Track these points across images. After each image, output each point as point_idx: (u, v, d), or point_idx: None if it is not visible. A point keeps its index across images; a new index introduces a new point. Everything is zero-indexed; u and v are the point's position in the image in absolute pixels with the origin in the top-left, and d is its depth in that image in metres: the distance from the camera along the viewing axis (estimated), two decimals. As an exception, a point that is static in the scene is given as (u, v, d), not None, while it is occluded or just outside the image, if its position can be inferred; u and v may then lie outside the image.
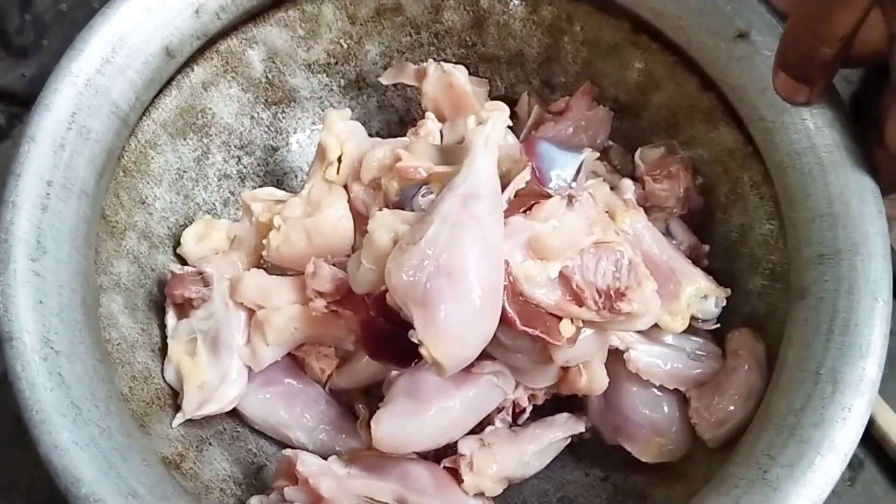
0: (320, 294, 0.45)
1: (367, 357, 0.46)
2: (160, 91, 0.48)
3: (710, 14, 0.44)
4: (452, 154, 0.45)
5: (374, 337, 0.41)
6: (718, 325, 0.46)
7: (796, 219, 0.42)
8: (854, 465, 0.52)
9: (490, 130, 0.42)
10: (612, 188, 0.48)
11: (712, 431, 0.44)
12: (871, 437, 0.52)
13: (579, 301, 0.40)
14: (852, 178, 0.40)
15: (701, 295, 0.45)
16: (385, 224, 0.41)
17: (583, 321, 0.40)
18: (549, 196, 0.42)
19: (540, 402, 0.47)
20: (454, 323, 0.36)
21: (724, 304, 0.46)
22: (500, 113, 0.44)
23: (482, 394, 0.44)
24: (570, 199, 0.41)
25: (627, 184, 0.49)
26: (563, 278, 0.40)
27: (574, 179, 0.43)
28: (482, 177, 0.41)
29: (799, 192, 0.42)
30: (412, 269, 0.37)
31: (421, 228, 0.39)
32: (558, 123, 0.53)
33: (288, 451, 0.43)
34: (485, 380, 0.44)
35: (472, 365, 0.40)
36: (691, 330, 0.46)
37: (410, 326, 0.37)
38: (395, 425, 0.43)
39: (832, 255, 0.40)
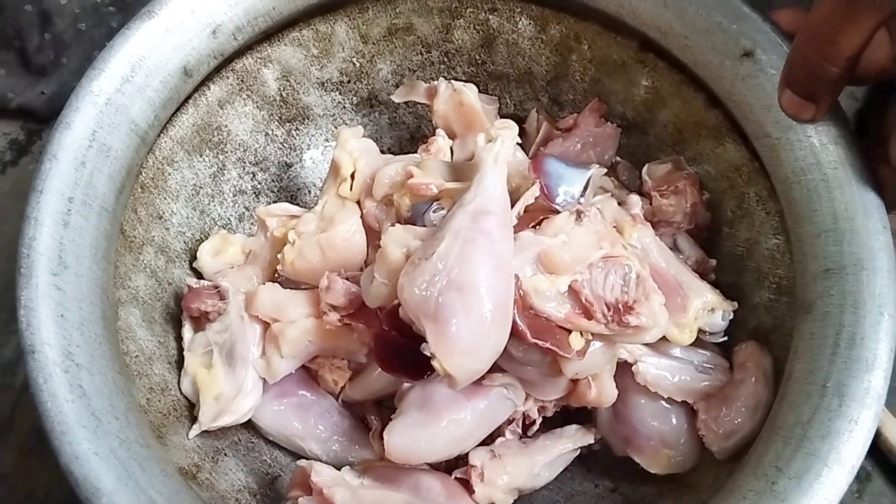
0: (334, 308, 0.46)
1: (379, 369, 0.47)
2: (177, 109, 0.49)
3: (715, 33, 0.45)
4: (463, 171, 0.46)
5: (387, 350, 0.42)
6: (726, 338, 0.47)
7: (802, 234, 0.42)
8: (862, 478, 0.53)
9: (500, 148, 0.43)
10: (619, 203, 0.49)
11: (720, 443, 0.44)
12: (879, 450, 0.52)
13: (588, 314, 0.40)
14: (857, 195, 0.41)
15: (708, 308, 0.46)
16: (397, 239, 0.42)
17: (592, 334, 0.41)
18: (558, 212, 0.42)
19: (550, 413, 0.48)
20: (465, 336, 0.37)
21: (731, 317, 0.46)
22: (509, 131, 0.45)
23: (493, 406, 0.45)
24: (579, 214, 0.42)
25: (635, 199, 0.49)
26: (573, 292, 0.41)
27: (582, 195, 0.44)
28: (492, 193, 0.41)
29: (804, 207, 0.42)
30: (424, 284, 0.38)
31: (432, 244, 0.39)
32: (566, 140, 0.53)
33: (302, 462, 0.44)
34: (495, 392, 0.44)
35: (483, 377, 0.40)
36: (699, 343, 0.46)
37: (423, 340, 0.38)
38: (408, 437, 0.43)
39: (838, 269, 0.40)
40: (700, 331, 0.46)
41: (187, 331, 0.49)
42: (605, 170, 0.51)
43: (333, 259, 0.47)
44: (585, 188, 0.44)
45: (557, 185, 0.44)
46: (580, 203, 0.44)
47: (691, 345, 0.46)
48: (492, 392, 0.44)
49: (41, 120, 0.66)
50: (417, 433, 0.43)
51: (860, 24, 0.37)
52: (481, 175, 0.42)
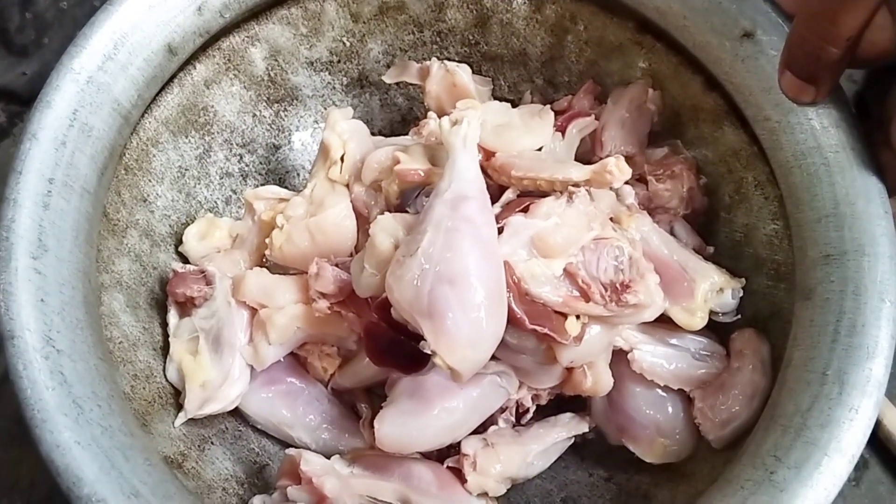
0: (323, 295, 0.45)
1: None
2: (162, 88, 0.48)
3: (715, 13, 0.44)
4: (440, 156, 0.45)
5: (379, 344, 0.41)
6: (738, 316, 0.46)
7: (802, 219, 0.42)
8: (859, 466, 0.52)
9: (467, 130, 0.42)
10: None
11: (716, 432, 0.44)
12: (877, 438, 0.52)
13: (586, 296, 0.40)
14: (858, 179, 0.40)
15: (716, 289, 0.45)
16: (386, 228, 0.41)
17: (590, 317, 0.40)
18: (546, 195, 0.42)
19: (543, 402, 0.47)
20: (464, 328, 0.36)
21: (741, 294, 0.46)
22: (473, 111, 0.43)
23: (486, 394, 0.44)
24: (570, 195, 0.41)
25: (627, 189, 0.48)
26: (568, 275, 0.40)
27: None
28: (467, 177, 0.41)
29: (805, 192, 0.41)
30: (413, 281, 0.37)
31: (416, 239, 0.38)
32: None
33: (291, 451, 0.43)
34: (488, 380, 0.44)
35: (475, 365, 0.40)
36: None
37: (416, 335, 0.37)
38: (399, 425, 0.42)
39: (838, 255, 0.39)
40: (712, 312, 0.45)
41: (173, 316, 0.48)
42: (561, 134, 0.50)
43: (323, 244, 0.46)
44: None
45: None
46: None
47: (687, 332, 0.45)
48: (484, 380, 0.44)
49: (22, 101, 0.65)
50: (409, 422, 0.43)
51: (860, 3, 0.36)
52: (452, 160, 0.41)
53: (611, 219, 0.44)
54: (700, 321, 0.44)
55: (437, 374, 0.42)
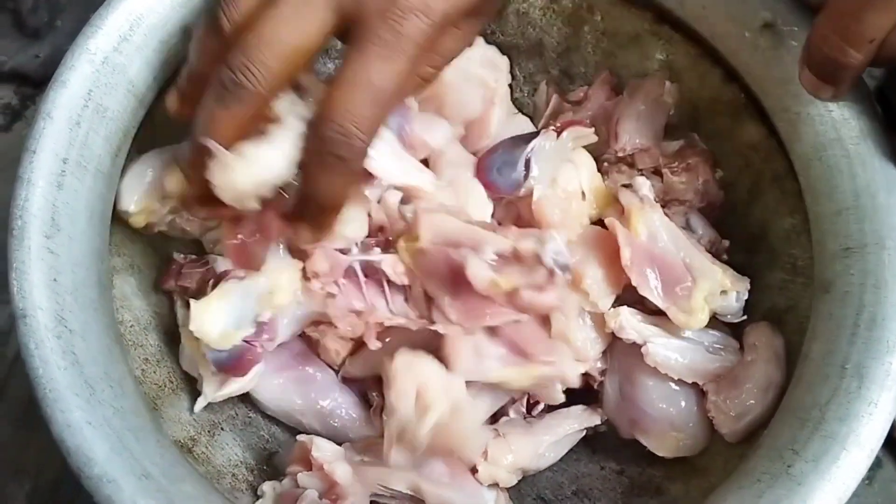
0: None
1: (381, 346, 0.46)
2: (176, 71, 0.48)
3: (734, 3, 0.44)
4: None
5: None
6: (745, 317, 0.45)
7: (821, 212, 0.41)
8: (872, 465, 0.51)
9: None
10: (627, 186, 0.47)
11: (730, 425, 0.43)
12: (891, 437, 0.51)
13: None
14: (879, 171, 0.40)
15: (719, 291, 0.44)
16: None
17: None
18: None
19: (555, 393, 0.47)
20: None
21: (746, 296, 0.45)
22: None
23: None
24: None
25: (641, 181, 0.47)
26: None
27: (525, 172, 0.45)
28: None
29: (825, 184, 0.41)
30: None
31: None
32: (577, 113, 0.52)
33: (303, 437, 0.43)
34: (500, 370, 0.43)
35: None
36: (710, 323, 0.45)
37: None
38: (410, 415, 0.42)
39: (858, 248, 0.39)
40: (717, 314, 0.45)
41: (180, 307, 0.47)
42: (556, 135, 0.49)
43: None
44: (527, 166, 0.45)
45: (498, 173, 0.45)
46: (533, 178, 0.44)
47: (700, 325, 0.45)
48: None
49: (35, 84, 0.65)
50: (419, 411, 0.42)
51: (889, 5, 0.35)
52: None
53: (621, 213, 0.44)
54: (697, 322, 0.43)
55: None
